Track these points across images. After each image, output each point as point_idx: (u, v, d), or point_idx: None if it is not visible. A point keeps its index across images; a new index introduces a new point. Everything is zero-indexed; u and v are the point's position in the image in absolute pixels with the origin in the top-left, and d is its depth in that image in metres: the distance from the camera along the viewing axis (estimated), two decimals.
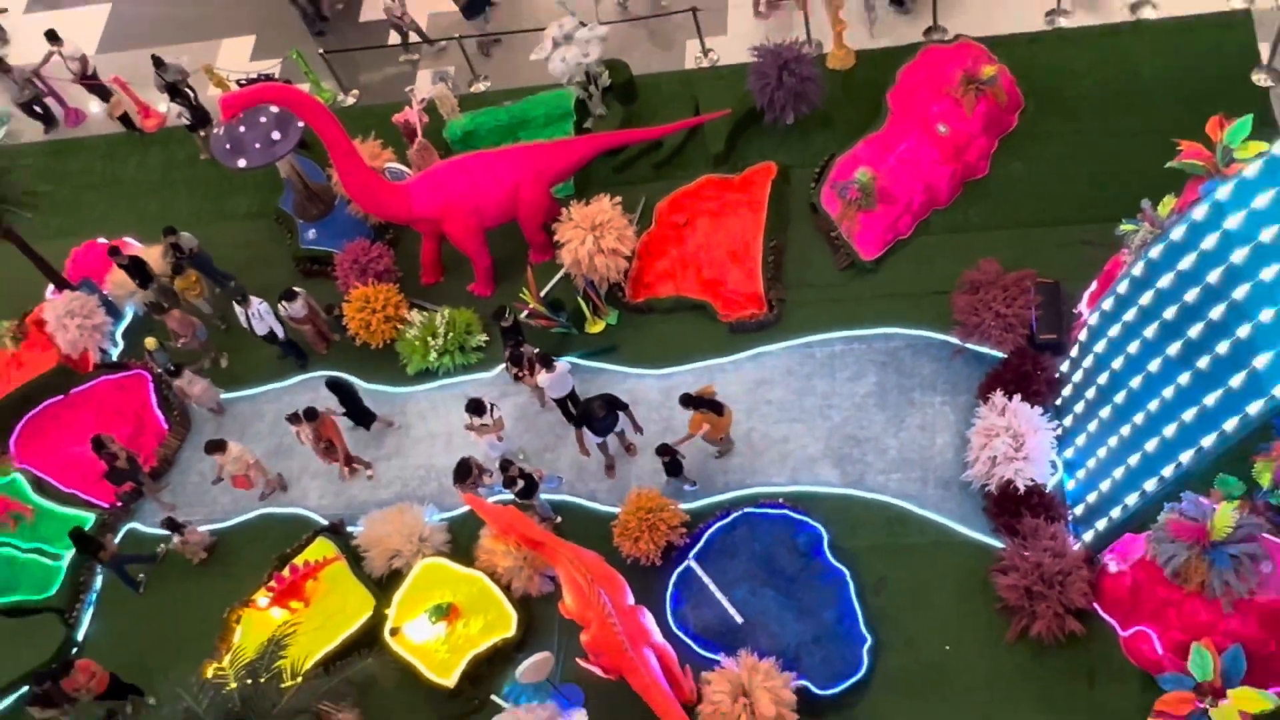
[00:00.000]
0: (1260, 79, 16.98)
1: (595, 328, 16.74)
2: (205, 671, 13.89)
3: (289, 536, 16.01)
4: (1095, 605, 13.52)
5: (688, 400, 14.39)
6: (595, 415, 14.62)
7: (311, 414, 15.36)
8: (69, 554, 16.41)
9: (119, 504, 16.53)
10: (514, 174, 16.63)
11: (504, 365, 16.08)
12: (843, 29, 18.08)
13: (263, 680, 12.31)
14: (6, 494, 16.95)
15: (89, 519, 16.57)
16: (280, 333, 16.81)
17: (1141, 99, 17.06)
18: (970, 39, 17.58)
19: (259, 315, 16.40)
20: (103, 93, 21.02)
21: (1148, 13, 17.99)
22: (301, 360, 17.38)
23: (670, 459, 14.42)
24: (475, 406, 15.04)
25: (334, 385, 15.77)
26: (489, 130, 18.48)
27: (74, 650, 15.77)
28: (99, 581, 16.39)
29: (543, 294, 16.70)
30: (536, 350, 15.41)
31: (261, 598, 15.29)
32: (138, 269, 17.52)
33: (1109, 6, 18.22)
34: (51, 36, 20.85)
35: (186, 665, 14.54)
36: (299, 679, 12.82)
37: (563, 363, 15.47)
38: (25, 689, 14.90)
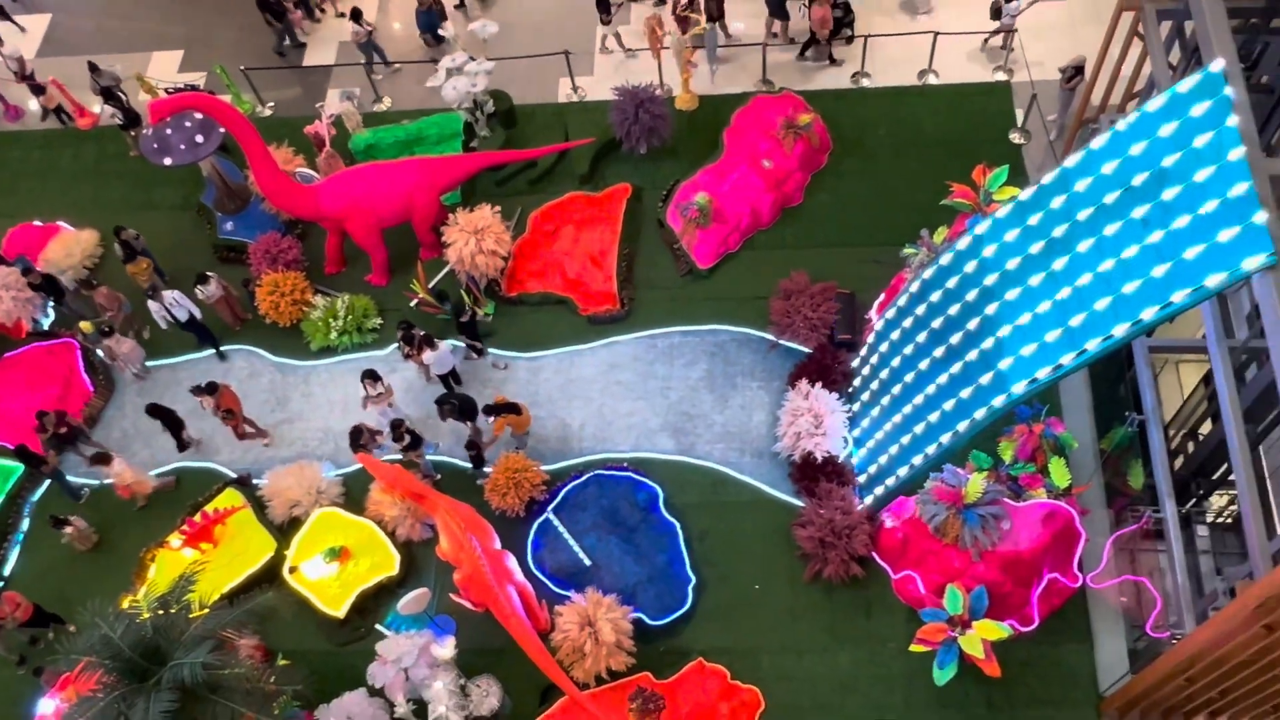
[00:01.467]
0: (1015, 137, 17.85)
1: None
2: (121, 603, 13.51)
3: (201, 487, 15.65)
4: (873, 553, 14.06)
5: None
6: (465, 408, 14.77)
7: (212, 387, 15.05)
8: None
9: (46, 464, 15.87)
10: (409, 183, 16.52)
11: (396, 344, 15.99)
12: (689, 77, 18.36)
13: (173, 610, 11.99)
14: None
15: (17, 468, 15.86)
16: (198, 314, 16.34)
17: (923, 148, 17.68)
18: (792, 91, 18.05)
19: (176, 303, 15.94)
20: (40, 91, 20.02)
21: (931, 79, 18.69)
22: (216, 348, 16.86)
23: (476, 454, 14.65)
24: (371, 375, 14.99)
25: (153, 410, 15.43)
26: (389, 144, 18.29)
27: (0, 585, 15.14)
28: (25, 524, 15.78)
29: (431, 285, 16.60)
30: (423, 332, 15.40)
31: (175, 539, 14.98)
32: (50, 285, 16.98)
33: (901, 72, 18.83)
34: None
35: (105, 598, 14.01)
36: (206, 610, 12.56)
37: (445, 344, 15.53)
38: None
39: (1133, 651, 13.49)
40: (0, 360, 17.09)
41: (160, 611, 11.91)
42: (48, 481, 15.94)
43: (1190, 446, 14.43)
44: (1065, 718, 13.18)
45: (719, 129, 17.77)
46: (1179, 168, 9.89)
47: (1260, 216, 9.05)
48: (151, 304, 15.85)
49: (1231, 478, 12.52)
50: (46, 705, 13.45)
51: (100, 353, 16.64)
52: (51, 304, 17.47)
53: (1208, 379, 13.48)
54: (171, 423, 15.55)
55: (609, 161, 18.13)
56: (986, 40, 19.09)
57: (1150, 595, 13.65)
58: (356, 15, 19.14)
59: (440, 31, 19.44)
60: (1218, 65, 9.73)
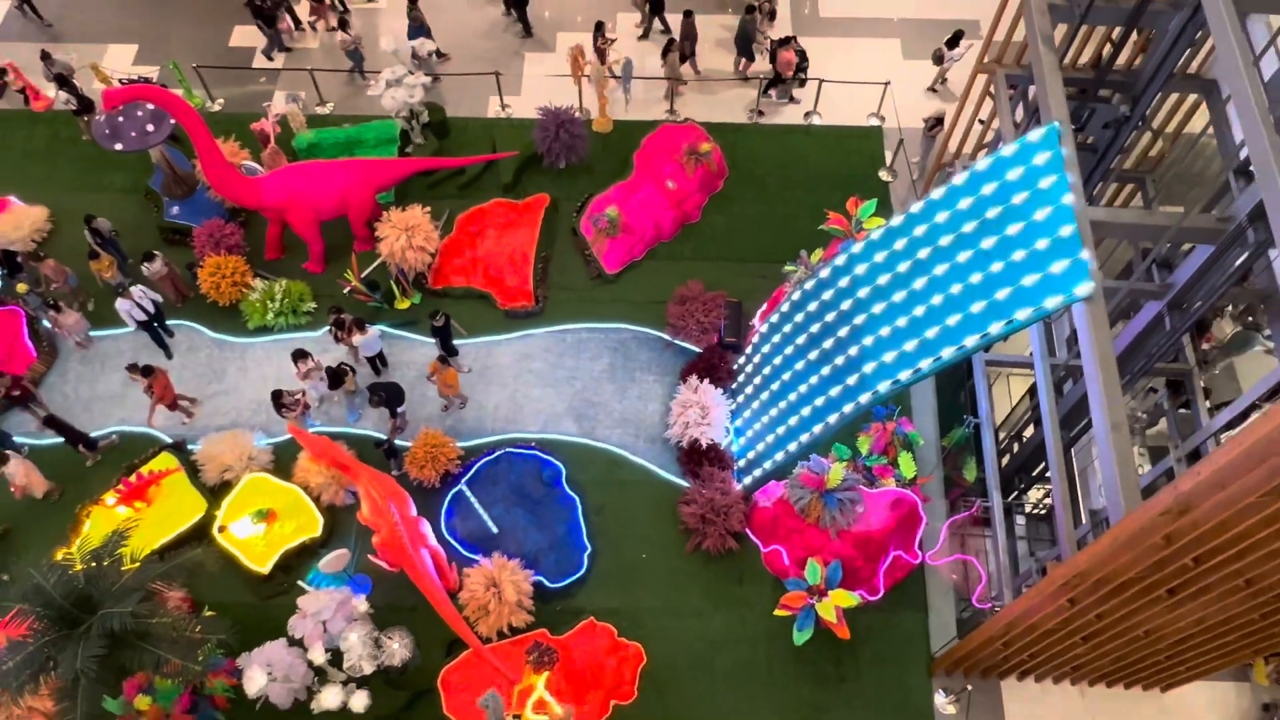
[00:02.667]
0: (884, 175, 18.26)
1: (402, 305, 16.42)
2: (55, 555, 12.89)
3: (138, 450, 14.94)
4: (747, 530, 14.26)
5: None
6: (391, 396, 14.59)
7: (149, 370, 14.39)
8: None
9: None
10: (347, 181, 16.10)
11: (328, 328, 15.55)
12: (605, 104, 18.34)
13: (106, 563, 11.53)
14: None
15: None
16: (160, 300, 15.53)
17: (806, 179, 17.96)
18: (695, 122, 18.16)
19: (144, 295, 15.11)
20: None
21: (815, 120, 18.99)
22: (168, 353, 16.00)
23: (388, 448, 14.48)
24: (301, 354, 14.59)
25: (49, 421, 14.67)
26: (329, 145, 17.78)
27: None
28: None
29: (363, 275, 16.21)
30: (354, 317, 15.05)
31: (110, 497, 14.28)
32: (7, 259, 16.08)
33: (790, 113, 19.13)
34: None
35: (39, 551, 13.42)
36: (137, 564, 12.07)
37: (374, 329, 15.20)
38: None
39: (960, 620, 13.95)
40: None
41: (93, 564, 11.43)
42: None
43: (1015, 447, 14.97)
44: (901, 675, 13.53)
45: (630, 151, 17.79)
46: (1027, 205, 10.20)
47: (1084, 254, 9.43)
48: (121, 302, 14.94)
49: (1047, 475, 13.12)
50: None
51: (45, 321, 15.72)
52: (2, 273, 16.47)
53: (1032, 391, 14.00)
54: (70, 436, 14.67)
55: (531, 174, 17.93)
56: (935, 85, 19.59)
57: (976, 572, 14.26)
58: (344, 24, 18.73)
59: (414, 48, 18.93)
60: (1054, 121, 10.15)
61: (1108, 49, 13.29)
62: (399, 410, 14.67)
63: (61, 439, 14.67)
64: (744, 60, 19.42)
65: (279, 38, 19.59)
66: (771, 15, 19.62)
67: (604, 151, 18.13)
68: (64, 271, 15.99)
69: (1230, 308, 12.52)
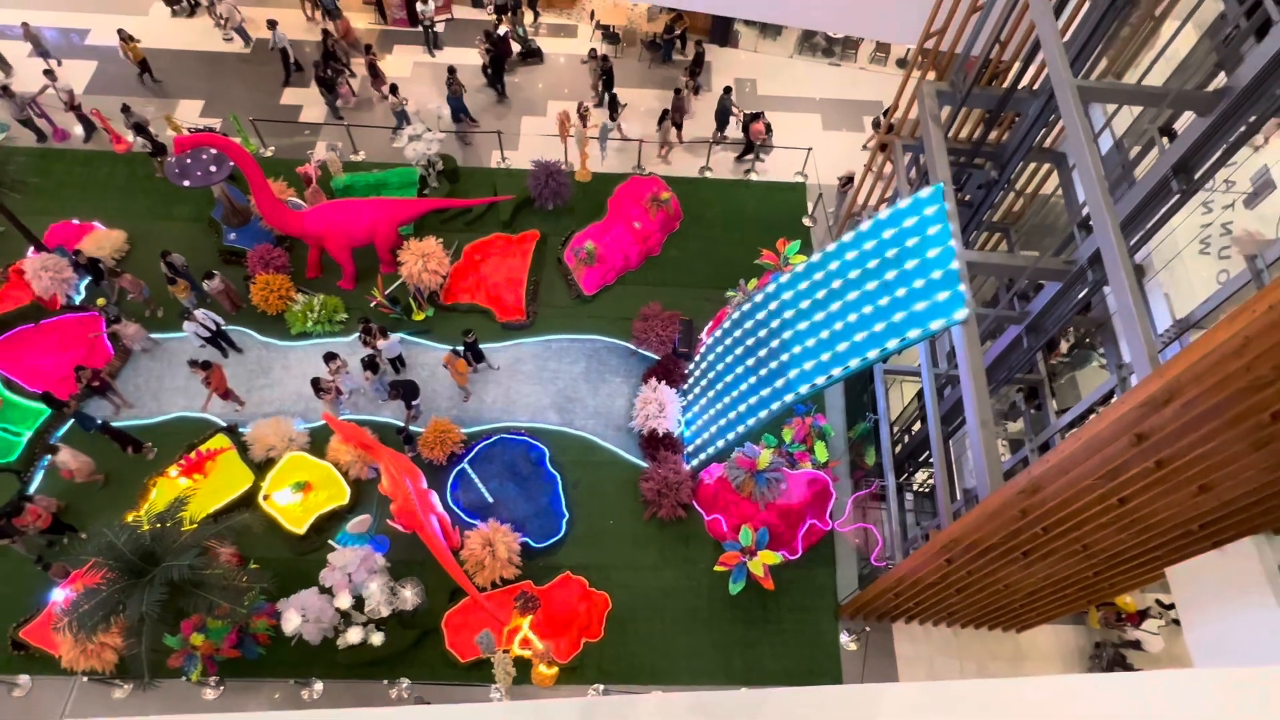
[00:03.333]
0: (806, 221, 18.39)
1: (418, 317, 16.24)
2: (126, 518, 12.58)
3: (197, 431, 14.64)
4: (693, 502, 14.29)
5: (455, 353, 14.60)
6: (408, 391, 14.43)
7: (207, 365, 14.13)
8: (28, 433, 14.37)
9: (70, 404, 14.52)
10: (375, 216, 15.91)
11: (358, 334, 15.36)
12: (586, 159, 18.33)
13: (168, 525, 11.30)
14: None
15: (46, 410, 14.53)
16: (223, 323, 15.21)
17: (745, 223, 18.06)
18: (657, 175, 18.21)
19: (206, 315, 14.82)
20: (86, 121, 18.36)
21: (753, 176, 19.07)
22: (224, 354, 15.63)
23: (405, 435, 14.31)
24: (330, 356, 14.39)
25: (104, 429, 14.04)
26: (361, 186, 17.56)
27: (26, 499, 13.79)
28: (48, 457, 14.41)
29: (387, 292, 16.04)
30: (379, 325, 14.88)
31: (173, 470, 14.01)
32: (92, 268, 15.65)
33: (734, 170, 19.19)
34: (48, 74, 18.07)
35: (112, 515, 13.11)
36: (194, 525, 11.84)
37: (395, 336, 15.03)
38: None
39: (861, 575, 14.07)
40: (39, 326, 15.57)
41: (157, 525, 11.19)
42: (70, 421, 14.57)
43: (906, 438, 15.15)
44: (814, 619, 13.63)
45: (605, 197, 17.77)
46: (917, 247, 10.32)
47: (962, 287, 9.58)
48: (187, 325, 14.57)
49: (931, 461, 13.29)
50: (58, 594, 12.34)
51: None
52: (89, 282, 16.01)
53: (920, 394, 14.17)
54: (121, 440, 14.14)
55: (524, 214, 17.84)
56: (866, 144, 19.66)
57: (875, 537, 14.40)
58: (394, 89, 18.60)
59: (438, 110, 18.82)
60: (939, 182, 10.30)
61: (980, 128, 13.52)
62: (415, 403, 14.51)
63: (116, 443, 14.20)
64: (719, 129, 19.39)
65: (333, 103, 19.29)
66: (696, 90, 19.56)
67: (584, 197, 18.12)
68: (139, 284, 15.61)
69: (1073, 331, 12.80)
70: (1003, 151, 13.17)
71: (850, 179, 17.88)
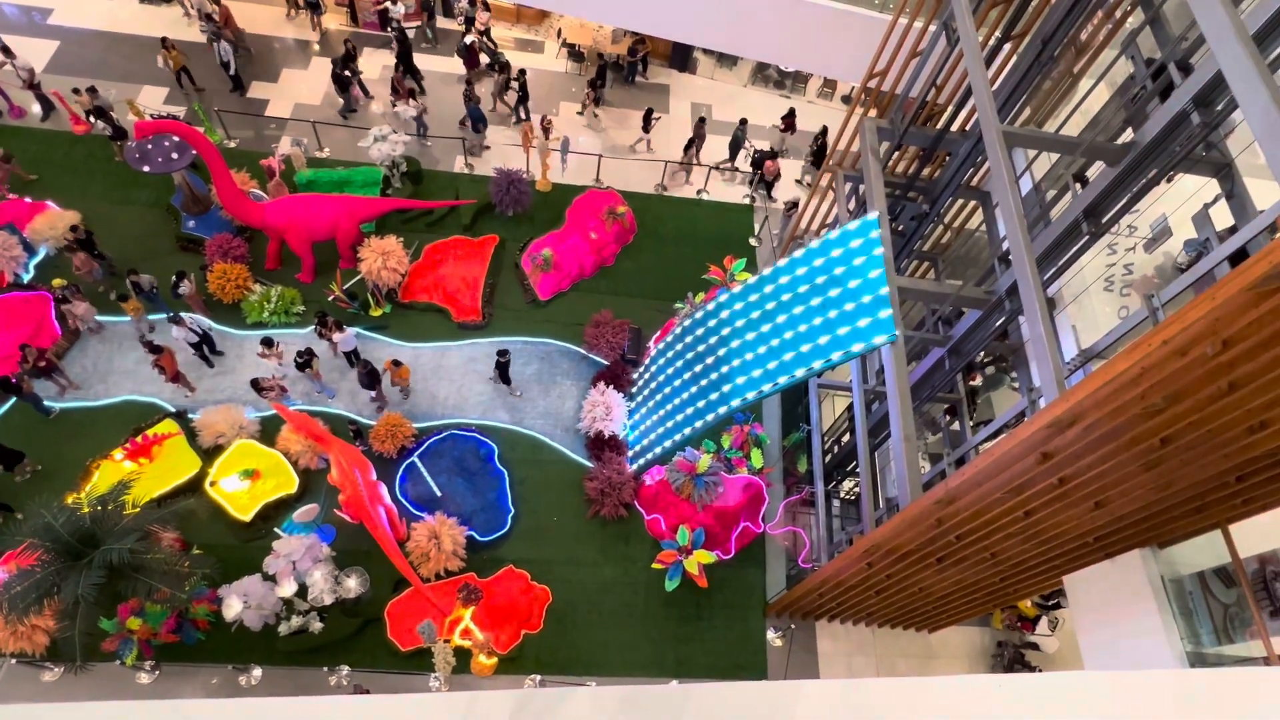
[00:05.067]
0: (752, 241, 18.54)
1: (376, 313, 15.83)
2: (66, 499, 11.93)
3: (145, 415, 14.02)
4: (635, 501, 14.25)
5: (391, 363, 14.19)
6: (368, 377, 14.11)
7: (157, 349, 13.54)
8: None
9: (15, 379, 13.71)
10: (337, 212, 15.51)
11: (313, 326, 14.94)
12: (547, 169, 18.19)
13: (110, 507, 10.76)
14: None
15: None
16: (212, 326, 14.70)
17: (696, 239, 18.11)
18: (615, 190, 18.18)
19: (194, 320, 14.30)
20: (44, 100, 17.42)
21: (705, 196, 19.15)
22: (209, 363, 14.82)
23: (356, 428, 14.03)
24: (266, 342, 13.95)
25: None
26: (325, 182, 17.05)
27: None
28: None
29: (345, 287, 15.63)
30: (334, 319, 14.51)
31: (118, 453, 13.35)
32: (90, 243, 14.94)
33: (686, 189, 19.25)
34: (5, 50, 17.11)
35: (51, 496, 12.37)
36: (137, 509, 11.30)
37: (351, 330, 14.65)
38: None
39: (789, 575, 14.21)
40: None
41: (98, 508, 10.64)
42: (12, 400, 13.79)
43: (835, 449, 15.33)
44: (744, 616, 13.71)
45: (563, 207, 17.67)
46: (845, 275, 10.39)
47: (886, 312, 9.68)
48: (176, 330, 13.86)
49: (858, 470, 13.53)
50: None
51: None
52: (101, 261, 15.12)
53: (850, 407, 14.36)
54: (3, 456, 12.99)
55: (485, 218, 17.62)
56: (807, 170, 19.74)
57: (803, 540, 14.58)
58: (413, 94, 18.48)
59: (397, 111, 18.41)
60: (874, 214, 10.49)
61: (915, 163, 13.88)
62: (379, 388, 14.19)
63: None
64: (730, 158, 19.32)
65: (349, 102, 18.73)
66: (701, 138, 19.08)
67: (544, 205, 17.98)
68: (92, 265, 14.88)
69: (986, 356, 13.18)
70: (934, 187, 13.50)
71: (795, 204, 18.16)
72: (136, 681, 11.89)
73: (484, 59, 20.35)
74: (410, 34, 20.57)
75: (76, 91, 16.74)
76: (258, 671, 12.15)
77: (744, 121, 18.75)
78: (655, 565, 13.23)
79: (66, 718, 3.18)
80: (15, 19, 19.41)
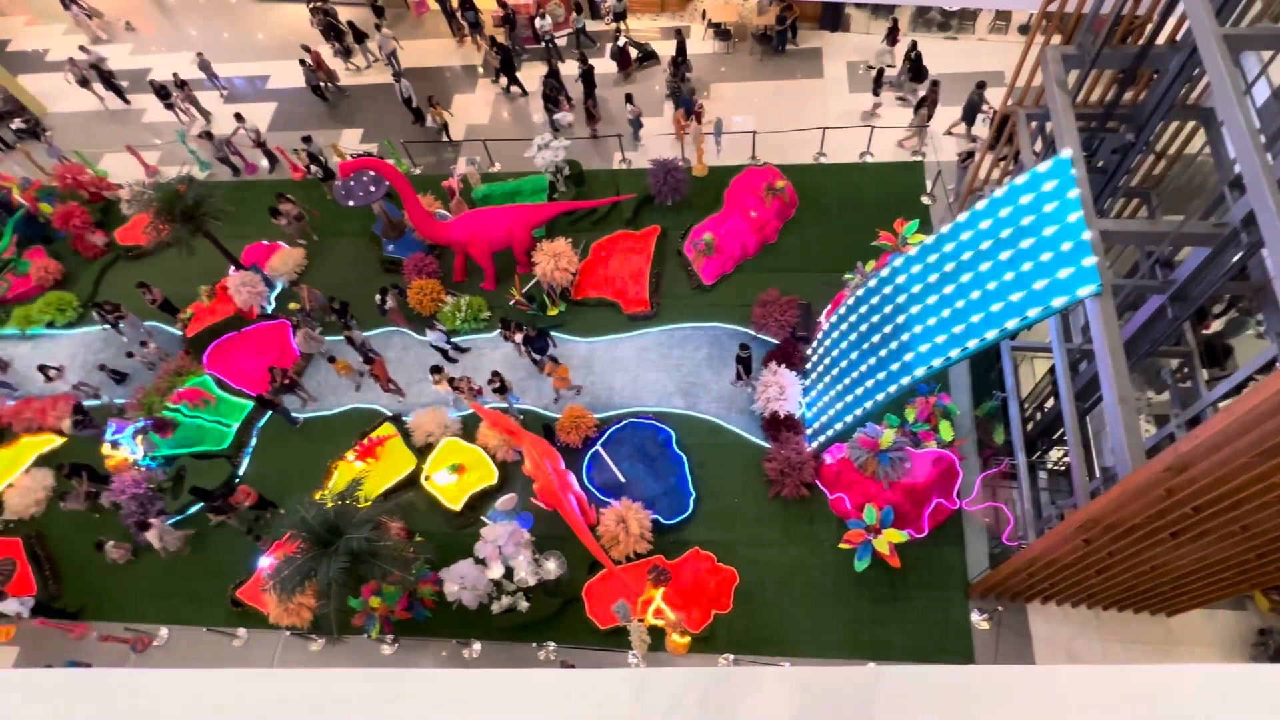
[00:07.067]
0: (925, 200, 17.45)
1: (553, 312, 16.73)
2: (314, 496, 13.77)
3: (367, 421, 15.85)
4: (816, 481, 13.97)
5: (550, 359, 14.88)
6: (537, 340, 14.94)
7: (369, 359, 15.22)
8: (236, 424, 16.05)
9: (276, 404, 16.08)
10: (511, 221, 16.56)
11: (498, 330, 16.07)
12: (701, 155, 18.22)
13: (347, 502, 12.28)
14: (200, 387, 16.48)
15: (249, 405, 16.22)
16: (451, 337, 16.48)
17: (861, 205, 17.35)
18: (772, 164, 17.81)
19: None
20: (270, 155, 20.24)
21: (869, 158, 18.31)
22: (453, 360, 16.54)
23: (548, 427, 14.66)
24: (435, 369, 14.96)
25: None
26: (498, 195, 18.28)
27: (236, 480, 15.49)
28: (254, 441, 16.06)
29: (524, 290, 16.67)
30: (516, 321, 15.49)
31: (350, 455, 15.21)
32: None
33: (847, 152, 18.46)
34: (239, 117, 20.07)
35: (304, 492, 14.34)
36: (369, 502, 12.79)
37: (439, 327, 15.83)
38: (202, 504, 14.62)
39: (992, 554, 13.30)
40: (241, 333, 17.38)
41: (339, 502, 12.15)
42: (268, 414, 16.22)
43: (1038, 416, 14.11)
44: (943, 597, 13.02)
45: (721, 189, 17.60)
46: (1037, 223, 9.57)
47: (1089, 260, 8.77)
48: (431, 333, 15.80)
49: (1065, 438, 12.31)
50: (264, 560, 13.79)
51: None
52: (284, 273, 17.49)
53: (1052, 370, 13.17)
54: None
55: (646, 210, 17.99)
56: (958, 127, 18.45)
57: (1005, 516, 13.53)
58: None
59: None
60: (1065, 153, 9.45)
61: (1113, 89, 12.24)
62: (550, 352, 15.04)
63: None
64: (967, 125, 18.23)
65: (555, 115, 19.73)
66: (934, 102, 17.86)
67: (701, 191, 18.03)
68: (315, 294, 17.06)
69: (1224, 299, 11.40)
70: (1139, 112, 11.91)
71: (971, 154, 16.74)
72: (381, 652, 13.55)
73: (634, 53, 20.72)
74: (562, 42, 21.43)
75: (307, 140, 19.05)
76: (477, 645, 13.36)
77: (982, 84, 17.30)
78: (843, 545, 12.86)
79: (329, 681, 3.66)
80: (243, 89, 22.68)
